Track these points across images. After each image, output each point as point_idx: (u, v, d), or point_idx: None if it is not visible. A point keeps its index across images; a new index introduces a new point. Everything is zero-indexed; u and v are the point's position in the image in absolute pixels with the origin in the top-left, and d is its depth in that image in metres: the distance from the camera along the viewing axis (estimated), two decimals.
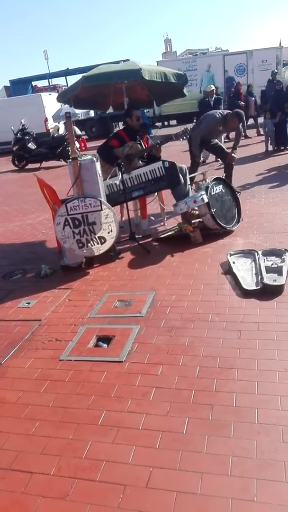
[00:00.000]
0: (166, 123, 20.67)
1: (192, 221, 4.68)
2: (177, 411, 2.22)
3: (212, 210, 4.59)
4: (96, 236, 4.25)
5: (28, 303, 3.79)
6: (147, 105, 7.60)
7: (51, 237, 5.57)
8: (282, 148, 10.07)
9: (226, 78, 18.34)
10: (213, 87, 10.40)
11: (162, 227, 5.49)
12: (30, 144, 13.70)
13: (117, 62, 6.68)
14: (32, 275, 4.48)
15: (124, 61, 7.01)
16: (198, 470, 1.85)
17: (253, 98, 13.32)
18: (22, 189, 10.33)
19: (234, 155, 6.13)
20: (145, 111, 16.59)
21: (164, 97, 6.66)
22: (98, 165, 4.30)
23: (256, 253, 3.96)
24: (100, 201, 4.20)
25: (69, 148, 4.46)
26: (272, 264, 3.71)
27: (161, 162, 4.90)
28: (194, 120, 14.99)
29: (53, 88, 26.41)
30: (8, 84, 26.07)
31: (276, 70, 15.61)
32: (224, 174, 5.95)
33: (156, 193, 5.39)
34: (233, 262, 3.86)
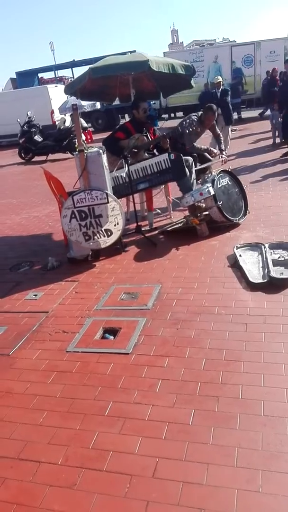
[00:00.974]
0: (172, 114, 20.54)
1: (199, 214, 4.66)
2: (183, 403, 2.23)
3: (218, 203, 4.57)
4: (103, 229, 4.25)
5: (35, 295, 3.81)
6: (154, 97, 7.54)
7: (57, 230, 5.58)
8: None
9: (233, 70, 18.18)
10: (220, 79, 10.29)
11: (168, 219, 5.48)
12: (36, 136, 13.68)
13: (124, 53, 6.63)
14: (39, 268, 4.50)
15: (130, 52, 6.97)
16: (204, 461, 1.87)
17: None
18: (29, 181, 10.35)
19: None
20: (152, 102, 16.48)
21: (171, 89, 6.61)
22: (104, 158, 4.29)
23: (263, 246, 3.94)
24: (107, 194, 4.19)
25: (76, 141, 4.45)
26: (279, 257, 3.70)
27: (167, 154, 4.88)
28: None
29: (59, 80, 26.29)
30: (15, 76, 25.99)
31: None
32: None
33: (162, 186, 5.38)
34: (240, 255, 3.85)
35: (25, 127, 13.79)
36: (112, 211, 4.24)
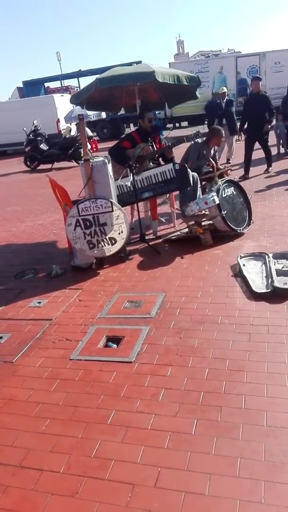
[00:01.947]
0: (177, 124, 20.68)
1: (203, 223, 4.68)
2: (186, 412, 2.23)
3: (223, 212, 4.59)
4: (107, 237, 4.28)
5: (39, 302, 3.83)
6: (159, 107, 7.63)
7: (62, 238, 5.61)
8: None
9: (238, 80, 18.32)
10: (225, 89, 10.37)
11: (172, 228, 5.50)
12: (42, 145, 13.82)
13: (130, 64, 6.73)
14: (43, 275, 4.52)
15: (136, 63, 7.07)
16: (207, 471, 1.86)
17: None
18: (34, 189, 10.43)
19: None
20: (157, 112, 16.62)
21: (176, 99, 6.69)
22: (109, 167, 4.33)
23: (266, 256, 3.95)
24: (111, 202, 4.23)
25: (81, 149, 4.50)
26: (282, 267, 3.70)
27: (171, 164, 4.92)
28: (205, 123, 14.96)
29: (65, 90, 26.61)
30: (21, 85, 26.32)
31: None
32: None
33: (167, 195, 5.41)
34: (244, 265, 3.86)
35: (31, 135, 13.94)
36: (116, 219, 4.27)
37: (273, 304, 3.22)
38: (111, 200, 4.25)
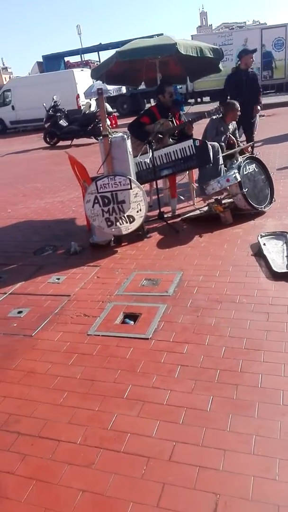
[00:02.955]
0: (199, 99, 20.19)
1: (223, 201, 4.60)
2: (201, 389, 2.24)
3: (244, 190, 4.49)
4: (125, 215, 4.25)
5: (58, 278, 3.87)
6: (181, 81, 7.42)
7: (81, 215, 5.62)
8: None
9: (263, 53, 17.67)
10: None
11: (192, 206, 5.43)
12: (61, 121, 13.72)
13: (151, 37, 6.54)
14: (62, 252, 4.55)
15: (158, 35, 6.84)
16: (221, 447, 1.87)
17: None
18: (53, 166, 10.42)
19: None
20: (178, 87, 16.22)
21: (198, 73, 6.48)
22: (128, 143, 4.27)
23: None
24: (130, 180, 4.18)
25: (100, 126, 4.44)
26: None
27: (191, 140, 4.81)
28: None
29: (85, 64, 26.19)
30: (41, 60, 26.02)
31: None
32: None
33: (186, 172, 5.32)
34: (264, 244, 3.79)
35: (50, 111, 13.84)
36: (135, 197, 4.23)
37: None
38: (130, 177, 4.20)
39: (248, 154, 5.47)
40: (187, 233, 4.56)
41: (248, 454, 1.83)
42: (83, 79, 18.18)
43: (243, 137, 9.14)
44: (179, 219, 5.04)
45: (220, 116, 5.36)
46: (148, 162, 4.76)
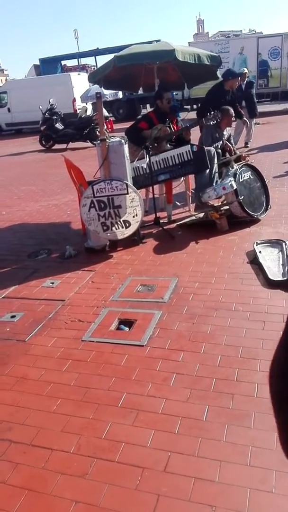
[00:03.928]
0: (195, 106, 20.27)
1: (219, 208, 4.60)
2: (197, 398, 2.22)
3: (240, 198, 4.49)
4: (121, 220, 4.23)
5: (52, 283, 3.83)
6: (178, 87, 7.44)
7: (76, 219, 5.59)
8: None
9: (259, 62, 17.81)
10: (245, 70, 10.09)
11: (187, 212, 5.42)
12: (57, 124, 13.68)
13: (150, 42, 6.56)
14: (56, 256, 4.52)
15: (156, 41, 6.87)
16: (217, 458, 1.85)
17: None
18: (48, 169, 10.38)
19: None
20: (174, 93, 16.28)
21: (196, 80, 6.51)
22: (126, 148, 4.26)
23: (283, 243, 3.87)
24: (127, 184, 4.17)
25: (96, 130, 4.43)
26: None
27: (189, 146, 4.81)
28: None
29: (82, 68, 26.23)
30: (38, 63, 26.01)
31: None
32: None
33: (182, 178, 5.32)
34: (260, 252, 3.79)
35: (47, 114, 13.80)
36: (131, 202, 4.21)
37: None
38: (126, 182, 4.19)
39: (243, 161, 5.48)
40: (183, 239, 4.55)
41: (244, 466, 1.81)
42: (80, 83, 18.18)
43: (239, 144, 9.22)
44: (175, 225, 5.03)
45: (215, 122, 5.37)
46: (145, 167, 4.75)
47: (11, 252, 4.78)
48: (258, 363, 2.43)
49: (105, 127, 4.38)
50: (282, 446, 0.57)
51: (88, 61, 27.88)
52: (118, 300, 3.38)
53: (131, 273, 3.85)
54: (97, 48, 25.22)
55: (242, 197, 4.54)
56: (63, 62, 27.87)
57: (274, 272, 3.45)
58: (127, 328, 2.99)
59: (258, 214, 4.76)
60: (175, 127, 5.26)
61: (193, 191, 5.53)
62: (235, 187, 4.46)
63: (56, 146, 13.97)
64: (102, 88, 7.15)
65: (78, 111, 16.05)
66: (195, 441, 1.95)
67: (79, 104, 17.29)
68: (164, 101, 5.18)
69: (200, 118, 5.21)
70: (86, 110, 14.51)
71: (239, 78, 6.56)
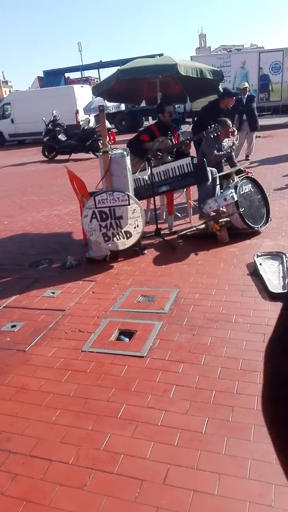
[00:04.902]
0: (196, 118, 20.47)
1: (220, 220, 4.63)
2: (197, 410, 2.21)
3: (240, 210, 4.52)
4: (122, 231, 4.26)
5: (53, 292, 3.84)
6: (180, 101, 7.53)
7: (77, 229, 5.62)
8: None
9: (261, 76, 18.03)
10: (246, 84, 10.21)
11: (188, 224, 5.45)
12: (60, 135, 13.82)
13: (152, 56, 6.65)
14: (57, 265, 4.53)
15: (159, 55, 6.97)
16: (216, 471, 1.84)
17: None
18: (51, 180, 10.45)
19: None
20: (176, 106, 16.45)
21: (198, 93, 6.58)
22: (128, 160, 4.30)
23: (284, 256, 3.89)
24: (128, 196, 4.20)
25: (99, 141, 4.48)
26: None
27: (189, 158, 4.86)
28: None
29: (85, 81, 26.51)
30: (42, 75, 26.33)
31: None
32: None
33: (184, 190, 5.36)
34: (260, 264, 3.80)
35: (50, 125, 13.94)
36: (133, 213, 4.24)
37: None
38: (128, 193, 4.22)
39: (244, 174, 5.52)
40: (184, 250, 4.57)
41: (243, 479, 1.80)
42: (83, 95, 18.39)
43: (240, 157, 9.29)
44: (176, 235, 5.05)
45: (215, 135, 5.42)
46: (147, 178, 4.79)
47: (12, 262, 4.80)
48: (258, 376, 2.42)
49: (108, 139, 4.43)
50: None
51: (91, 73, 28.22)
52: (118, 311, 3.39)
53: (131, 283, 3.86)
54: (100, 61, 25.52)
55: (243, 209, 4.57)
56: (66, 75, 28.20)
57: (275, 284, 3.46)
58: (127, 339, 2.99)
59: (259, 226, 4.79)
60: (176, 140, 5.31)
61: (195, 203, 5.56)
62: (236, 198, 4.49)
63: (59, 157, 14.09)
64: (105, 100, 7.23)
65: (80, 123, 16.21)
66: (195, 453, 1.95)
67: (81, 116, 17.47)
68: (166, 114, 5.25)
69: (195, 134, 5.26)
70: (88, 122, 14.66)
71: (234, 98, 6.60)
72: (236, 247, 4.46)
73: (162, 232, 4.91)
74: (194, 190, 5.51)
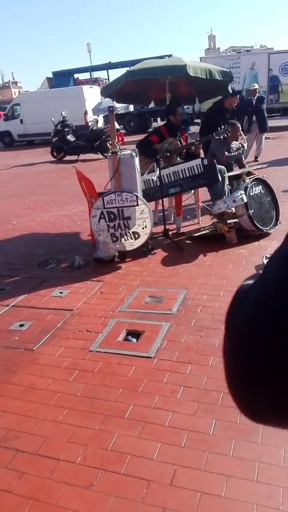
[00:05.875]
0: (203, 120, 20.42)
1: (228, 221, 4.61)
2: (204, 412, 2.20)
3: (250, 211, 4.51)
4: (130, 231, 4.26)
5: (61, 292, 3.85)
6: (189, 102, 7.52)
7: (86, 229, 5.63)
8: None
9: (270, 77, 17.96)
10: (256, 86, 10.17)
11: (197, 225, 5.44)
12: (69, 136, 13.88)
13: (162, 57, 6.66)
14: (66, 265, 4.55)
15: (168, 56, 6.97)
16: (224, 473, 1.83)
17: None
18: (59, 180, 10.50)
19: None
20: (185, 107, 16.44)
21: (207, 94, 6.58)
22: (137, 160, 4.31)
23: None
24: (137, 196, 4.20)
25: (107, 142, 4.49)
26: None
27: (200, 159, 4.86)
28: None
29: (94, 81, 26.64)
30: (51, 76, 26.48)
31: None
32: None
33: (192, 191, 5.35)
34: None
35: (59, 126, 14.01)
36: (141, 214, 4.24)
37: None
38: (137, 194, 4.23)
39: (255, 175, 5.50)
40: (192, 251, 4.56)
41: (251, 481, 1.79)
42: (92, 96, 18.44)
43: (249, 158, 9.25)
44: (184, 237, 5.04)
45: (224, 136, 5.41)
46: (156, 180, 4.79)
47: (21, 261, 4.82)
48: None
49: (116, 139, 4.44)
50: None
51: (100, 74, 28.38)
52: (126, 311, 3.39)
53: (139, 284, 3.86)
54: (109, 62, 25.63)
55: (252, 210, 4.55)
56: (75, 76, 28.33)
57: None
58: (134, 340, 2.99)
59: (268, 228, 4.76)
60: (184, 141, 5.31)
61: (203, 204, 5.55)
62: (245, 200, 4.47)
63: (67, 158, 14.14)
64: (114, 101, 7.25)
65: (89, 124, 16.26)
66: (202, 455, 1.94)
67: (90, 117, 17.51)
68: (177, 116, 5.26)
69: (203, 136, 5.27)
70: (97, 122, 14.71)
71: (238, 96, 6.61)
72: (244, 249, 4.44)
73: (170, 233, 4.90)
74: (202, 192, 5.50)
